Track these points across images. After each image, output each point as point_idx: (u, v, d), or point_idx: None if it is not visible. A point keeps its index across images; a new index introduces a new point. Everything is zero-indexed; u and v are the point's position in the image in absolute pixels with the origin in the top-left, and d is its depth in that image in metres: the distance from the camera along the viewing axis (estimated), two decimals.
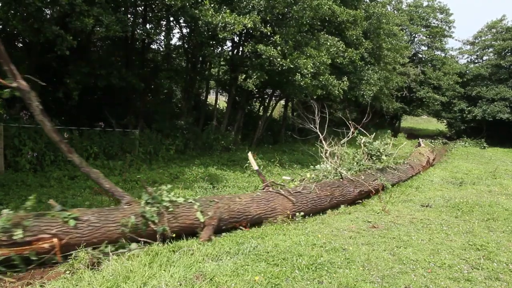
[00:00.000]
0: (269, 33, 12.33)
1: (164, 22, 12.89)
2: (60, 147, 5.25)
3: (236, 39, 15.27)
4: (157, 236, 4.96)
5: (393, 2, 32.26)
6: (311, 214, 7.28)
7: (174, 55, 15.41)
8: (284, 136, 20.29)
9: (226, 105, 17.32)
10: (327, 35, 14.88)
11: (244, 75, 13.87)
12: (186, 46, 14.77)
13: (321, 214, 7.48)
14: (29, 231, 4.18)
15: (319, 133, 9.80)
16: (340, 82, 15.11)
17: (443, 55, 35.28)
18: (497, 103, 30.24)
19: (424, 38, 34.94)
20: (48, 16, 9.41)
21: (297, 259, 4.51)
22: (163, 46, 14.35)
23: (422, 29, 34.47)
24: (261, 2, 11.90)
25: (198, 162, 12.24)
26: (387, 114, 34.79)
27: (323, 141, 9.80)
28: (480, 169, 15.09)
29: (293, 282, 3.99)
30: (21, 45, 11.96)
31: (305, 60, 12.68)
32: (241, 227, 5.97)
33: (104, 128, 12.01)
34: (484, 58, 34.74)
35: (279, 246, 4.97)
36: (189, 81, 15.13)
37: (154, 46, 16.02)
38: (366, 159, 10.52)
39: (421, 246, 5.28)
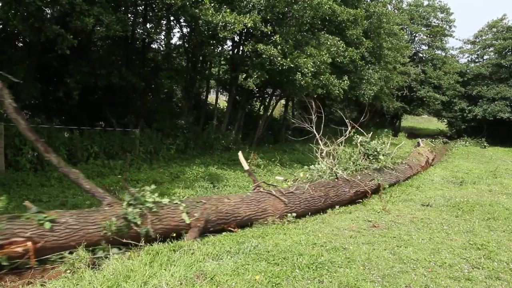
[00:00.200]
0: (269, 32, 12.33)
1: (165, 22, 12.89)
2: (36, 146, 5.12)
3: (237, 38, 15.26)
4: (141, 238, 4.81)
5: (393, 1, 32.21)
6: (309, 214, 7.27)
7: (174, 55, 15.41)
8: (284, 136, 20.29)
9: (226, 104, 17.32)
10: (327, 35, 14.87)
11: (245, 75, 13.86)
12: (187, 45, 14.76)
13: (321, 213, 7.47)
14: (1, 234, 4.00)
15: (315, 132, 9.72)
16: (340, 81, 15.10)
17: (443, 54, 35.27)
18: (498, 103, 30.22)
19: (425, 37, 34.93)
20: (48, 16, 9.40)
21: (297, 258, 4.51)
22: (164, 45, 14.34)
23: (423, 28, 34.45)
24: (261, 1, 11.89)
25: (199, 162, 12.25)
26: (388, 114, 34.78)
27: (319, 141, 9.69)
28: (481, 168, 15.09)
29: (294, 281, 3.99)
30: (21, 44, 11.96)
31: (306, 59, 12.67)
32: (230, 229, 5.81)
33: (105, 128, 12.03)
34: (485, 57, 34.73)
35: (279, 245, 4.97)
36: (190, 80, 15.13)
37: (154, 46, 16.03)
38: (363, 158, 10.40)
39: (422, 245, 5.28)
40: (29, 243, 4.09)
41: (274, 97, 20.00)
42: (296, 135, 17.29)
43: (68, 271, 4.05)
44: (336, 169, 8.85)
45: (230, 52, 16.05)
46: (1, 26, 10.71)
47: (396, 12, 31.05)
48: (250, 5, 11.99)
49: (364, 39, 17.83)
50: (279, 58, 12.00)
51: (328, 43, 14.47)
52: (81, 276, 3.87)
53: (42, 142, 5.19)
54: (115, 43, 13.74)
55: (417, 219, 6.78)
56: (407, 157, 14.11)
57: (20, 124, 4.83)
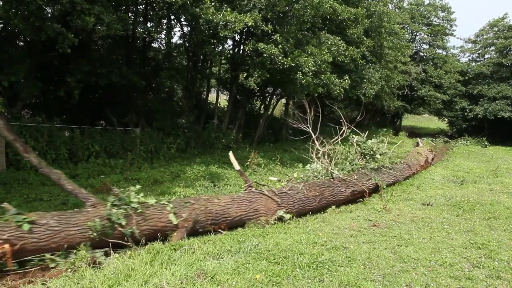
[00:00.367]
0: (270, 31, 12.32)
1: (165, 21, 12.89)
2: (15, 146, 5.04)
3: (237, 37, 15.26)
4: (127, 239, 4.70)
5: (394, 1, 32.20)
6: (310, 214, 7.26)
7: (175, 54, 15.42)
8: (285, 135, 20.29)
9: (227, 103, 17.32)
10: (328, 35, 14.86)
11: (245, 74, 13.87)
12: (187, 44, 14.76)
13: (322, 212, 7.47)
14: None
15: (311, 132, 9.61)
16: (341, 81, 15.09)
17: (444, 53, 35.24)
18: (499, 102, 30.20)
19: (426, 36, 34.90)
20: (49, 15, 9.40)
21: (298, 258, 4.51)
22: (164, 44, 14.34)
23: (424, 28, 34.42)
24: (262, 0, 11.88)
25: (199, 161, 12.25)
26: (388, 113, 34.78)
27: (315, 141, 9.56)
28: (482, 167, 15.07)
29: (294, 280, 3.99)
30: (22, 44, 11.96)
31: (306, 58, 12.66)
32: (220, 230, 5.68)
33: (105, 127, 12.03)
34: (486, 56, 34.70)
35: (280, 244, 4.97)
36: (190, 79, 15.13)
37: (155, 45, 16.05)
38: (360, 158, 10.24)
39: (422, 245, 5.27)
40: (7, 246, 3.98)
41: (274, 96, 20.00)
42: (297, 134, 17.29)
43: (69, 270, 4.05)
44: (332, 169, 8.72)
45: (231, 51, 16.05)
46: (2, 25, 10.71)
47: (397, 11, 31.05)
48: (251, 4, 11.98)
49: (365, 38, 17.81)
50: (280, 57, 11.99)
51: (329, 42, 14.46)
52: (82, 275, 3.88)
53: (21, 142, 5.14)
54: (116, 42, 13.75)
55: (417, 218, 6.77)
56: (406, 156, 14.08)
57: None
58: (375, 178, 9.23)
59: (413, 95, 33.18)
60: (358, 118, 11.51)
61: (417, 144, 16.15)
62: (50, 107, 12.35)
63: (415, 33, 34.94)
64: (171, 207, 5.23)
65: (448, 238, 5.64)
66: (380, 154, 10.54)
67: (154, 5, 12.21)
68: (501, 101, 30.12)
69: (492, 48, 33.56)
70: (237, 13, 10.90)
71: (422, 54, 35.33)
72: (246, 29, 13.47)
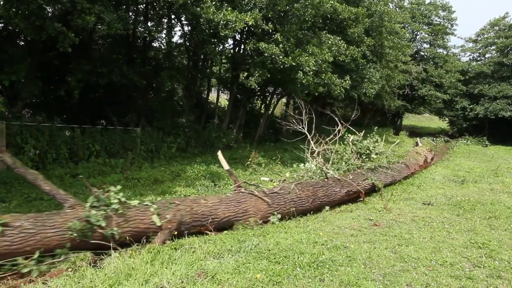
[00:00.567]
0: (270, 31, 12.30)
1: (166, 20, 12.88)
2: None
3: (238, 36, 15.25)
4: (109, 241, 4.57)
5: (395, 0, 32.18)
6: (311, 213, 7.26)
7: (175, 53, 15.41)
8: (285, 134, 20.27)
9: (227, 103, 17.32)
10: (328, 35, 14.85)
11: (246, 73, 13.85)
12: (188, 44, 14.76)
13: (312, 213, 7.44)
14: None
15: (307, 133, 9.52)
16: (342, 81, 15.08)
17: (445, 52, 35.21)
18: (500, 101, 30.19)
19: (426, 35, 34.87)
20: (49, 14, 9.40)
21: (298, 257, 4.51)
22: (165, 44, 14.34)
23: (424, 27, 34.39)
24: None
25: (200, 160, 12.25)
26: (389, 112, 34.78)
27: (311, 141, 9.45)
28: (482, 167, 15.06)
29: (295, 280, 3.99)
30: (22, 43, 11.96)
31: (307, 58, 12.65)
32: (207, 232, 5.54)
33: (106, 126, 12.03)
34: (487, 55, 34.67)
35: (280, 244, 4.97)
36: (191, 79, 15.13)
37: (155, 44, 16.04)
38: (356, 158, 10.11)
39: (423, 244, 5.27)
40: None
41: (275, 96, 19.99)
42: (297, 134, 17.28)
43: (70, 270, 4.06)
44: (326, 168, 8.58)
45: (231, 51, 16.04)
46: (2, 24, 10.71)
47: (397, 10, 31.01)
48: (251, 3, 11.97)
49: (365, 37, 17.79)
50: (280, 57, 11.98)
51: (329, 42, 14.44)
52: (82, 275, 3.88)
53: None
54: (116, 41, 13.75)
55: (418, 217, 6.77)
56: (405, 156, 14.06)
57: None
58: (371, 178, 9.11)
59: (414, 94, 33.16)
60: (353, 117, 11.45)
61: (416, 144, 16.11)
62: (51, 106, 12.35)
63: (416, 33, 34.91)
64: (154, 208, 5.11)
65: (449, 238, 5.64)
66: (376, 154, 10.40)
67: (155, 4, 12.20)
68: (502, 101, 30.10)
69: (493, 47, 33.54)
70: (237, 13, 10.89)
71: (422, 54, 35.31)
72: (246, 28, 13.46)
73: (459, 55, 37.45)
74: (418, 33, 35.00)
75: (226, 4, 11.45)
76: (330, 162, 9.54)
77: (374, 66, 19.93)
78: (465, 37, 48.12)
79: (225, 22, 10.74)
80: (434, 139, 28.56)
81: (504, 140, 29.86)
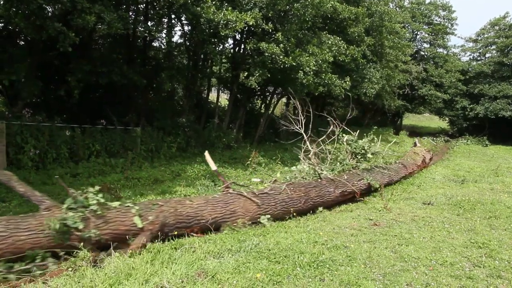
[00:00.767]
0: (270, 30, 12.30)
1: (166, 20, 12.88)
2: None
3: (238, 36, 15.24)
4: (88, 244, 4.43)
5: (395, 0, 32.15)
6: (311, 212, 7.25)
7: (175, 53, 15.41)
8: (284, 134, 20.26)
9: (227, 102, 17.32)
10: (329, 35, 14.84)
11: (246, 73, 13.84)
12: (188, 43, 14.76)
13: (323, 211, 7.45)
14: None
15: (303, 133, 9.41)
16: (342, 81, 15.08)
17: (445, 52, 35.20)
18: (500, 101, 30.19)
19: (426, 35, 34.85)
20: (50, 14, 9.41)
21: (298, 257, 4.51)
22: (165, 43, 14.34)
23: (425, 27, 34.38)
24: None
25: (200, 160, 12.25)
26: (389, 112, 34.77)
27: (307, 141, 9.29)
28: (482, 167, 15.06)
29: (295, 279, 3.99)
30: (22, 43, 11.96)
31: (308, 58, 12.64)
32: (192, 234, 5.35)
33: (106, 126, 12.03)
34: (487, 55, 34.68)
35: (280, 243, 4.97)
36: (191, 78, 15.13)
37: (155, 44, 16.06)
38: (351, 158, 9.93)
39: (423, 244, 5.27)
40: None
41: (275, 96, 19.99)
42: (298, 134, 17.28)
43: (70, 269, 4.06)
44: (319, 168, 8.44)
45: (232, 50, 16.04)
46: (2, 24, 10.71)
47: (397, 10, 30.98)
48: (252, 3, 11.96)
49: (365, 36, 17.78)
50: (281, 56, 11.97)
51: (329, 42, 14.44)
52: (82, 274, 3.88)
53: None
54: (116, 41, 13.75)
55: (418, 217, 6.77)
56: (403, 156, 14.01)
57: None
58: (367, 178, 8.92)
59: (414, 94, 33.15)
60: (348, 116, 11.39)
61: (415, 145, 16.07)
62: (51, 106, 12.36)
63: (416, 32, 34.89)
64: (136, 209, 4.96)
65: (449, 237, 5.64)
66: (372, 154, 10.25)
67: (155, 4, 12.21)
68: (502, 100, 30.10)
69: (493, 47, 33.54)
70: (237, 12, 10.89)
71: (423, 53, 35.29)
72: (246, 28, 13.46)
73: (459, 55, 37.51)
74: (418, 32, 34.99)
75: (226, 4, 11.44)
76: (328, 162, 9.44)
77: (374, 66, 19.92)
78: (465, 36, 48.16)
79: (225, 22, 10.73)
80: (434, 138, 28.56)
81: (504, 140, 29.86)
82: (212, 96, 19.97)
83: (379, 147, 11.14)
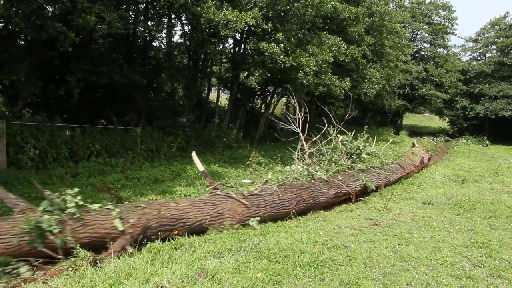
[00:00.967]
0: (270, 30, 12.29)
1: (166, 19, 12.87)
2: None
3: (238, 36, 15.24)
4: (61, 248, 4.25)
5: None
6: (309, 214, 7.24)
7: (175, 53, 15.41)
8: (286, 134, 20.25)
9: (228, 102, 17.32)
10: (329, 35, 14.84)
11: (246, 73, 13.83)
12: (188, 43, 14.75)
13: (323, 211, 7.45)
14: None
15: (300, 133, 9.27)
16: (342, 82, 15.07)
17: (445, 52, 35.19)
18: (500, 101, 30.19)
19: (427, 35, 34.84)
20: (50, 14, 9.41)
21: (298, 257, 4.51)
22: (165, 43, 14.33)
23: (425, 26, 34.37)
24: None
25: (200, 160, 12.22)
26: (389, 112, 34.77)
27: (303, 141, 9.15)
28: (482, 166, 15.06)
29: (295, 279, 4.00)
30: (23, 42, 11.96)
31: (308, 58, 12.64)
32: (177, 236, 5.17)
33: (106, 126, 12.03)
34: (487, 55, 34.69)
35: (280, 243, 4.98)
36: (191, 78, 15.12)
37: (155, 44, 16.03)
38: (346, 158, 9.79)
39: (423, 244, 5.28)
40: None
41: (275, 95, 19.99)
42: (296, 134, 17.26)
43: (70, 269, 4.06)
44: (312, 169, 8.30)
45: (232, 50, 16.04)
46: (2, 24, 10.70)
47: (398, 10, 30.97)
48: (252, 3, 11.95)
49: (365, 36, 17.78)
50: (281, 56, 11.97)
51: (330, 42, 14.43)
52: (83, 274, 3.89)
53: None
54: (117, 41, 13.74)
55: (418, 217, 6.78)
56: (401, 157, 13.98)
57: None
58: (362, 179, 8.78)
59: (414, 94, 33.15)
60: (347, 116, 11.34)
61: (413, 145, 16.05)
62: (51, 106, 12.36)
63: (416, 32, 34.88)
64: (117, 211, 4.79)
65: (449, 237, 5.64)
66: (368, 154, 10.10)
67: (155, 3, 12.19)
68: (502, 100, 30.10)
69: (493, 47, 33.55)
70: (238, 12, 10.88)
71: (423, 53, 35.29)
72: (247, 28, 13.46)
73: (460, 55, 37.51)
74: (419, 32, 34.98)
75: (226, 4, 11.44)
76: (323, 163, 9.34)
77: (374, 66, 19.91)
78: (465, 36, 48.14)
79: (225, 21, 10.72)
80: (435, 138, 28.58)
81: (504, 140, 29.86)
82: (212, 96, 19.97)
83: (374, 147, 11.01)
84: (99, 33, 13.01)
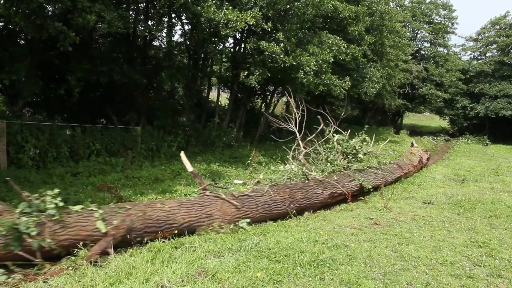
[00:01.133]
0: (269, 30, 12.29)
1: (166, 19, 12.87)
2: None
3: (238, 35, 15.23)
4: (36, 253, 4.08)
5: None
6: (314, 211, 7.24)
7: (176, 52, 15.41)
8: (285, 133, 20.24)
9: (228, 102, 17.32)
10: (329, 34, 14.83)
11: (246, 72, 13.84)
12: (188, 43, 14.75)
13: (323, 210, 7.45)
14: None
15: (297, 132, 9.19)
16: (342, 81, 15.07)
17: (446, 51, 35.17)
18: (500, 100, 30.18)
19: (427, 34, 34.82)
20: (50, 13, 9.40)
21: (299, 256, 4.52)
22: (165, 43, 14.33)
23: (425, 26, 34.34)
24: None
25: (200, 159, 12.26)
26: (389, 111, 34.74)
27: (299, 141, 9.07)
28: (483, 166, 15.06)
29: (295, 278, 4.00)
30: (23, 42, 11.96)
31: (308, 58, 12.63)
32: (163, 239, 4.98)
33: (106, 125, 12.03)
34: (487, 54, 34.66)
35: (281, 242, 4.98)
36: (191, 78, 15.12)
37: (156, 43, 16.04)
38: (342, 158, 9.65)
39: (423, 243, 5.28)
40: None
41: (275, 95, 19.99)
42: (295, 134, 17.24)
43: (70, 268, 4.06)
44: (306, 169, 8.17)
45: (232, 50, 16.04)
46: (3, 23, 10.70)
47: (398, 9, 30.94)
48: (252, 2, 11.95)
49: (365, 35, 17.77)
50: (281, 56, 11.96)
51: (330, 42, 14.43)
52: (83, 273, 3.89)
53: None
54: (117, 40, 13.75)
55: (418, 216, 6.78)
56: (399, 157, 13.94)
57: None
58: (358, 179, 8.63)
59: (414, 93, 33.13)
60: (342, 115, 11.28)
61: (412, 145, 16.02)
62: (51, 105, 12.36)
63: (417, 31, 34.86)
64: (100, 213, 4.64)
65: (449, 237, 5.64)
66: (364, 154, 9.98)
67: (155, 3, 12.19)
68: (503, 100, 30.08)
69: (494, 46, 33.51)
70: (238, 12, 10.88)
71: (423, 53, 35.26)
72: (247, 27, 13.45)
73: (460, 54, 37.47)
74: (419, 32, 34.95)
75: (226, 3, 11.43)
76: (318, 162, 9.26)
77: (374, 65, 19.90)
78: (465, 36, 48.03)
79: (225, 21, 10.72)
80: (435, 138, 28.57)
81: (504, 139, 29.85)
82: (213, 95, 19.96)
83: (372, 147, 10.90)
84: (99, 32, 13.01)
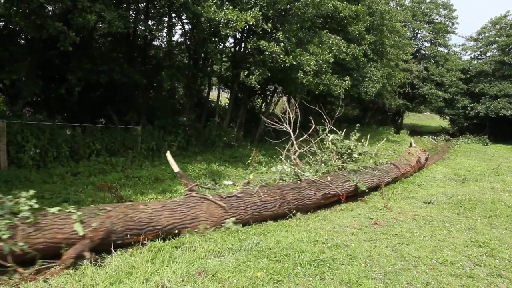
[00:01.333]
0: (269, 29, 12.29)
1: (166, 19, 12.87)
2: None
3: (238, 35, 15.23)
4: (7, 257, 3.87)
5: None
6: (313, 212, 7.23)
7: (176, 52, 15.41)
8: (284, 133, 20.22)
9: (228, 101, 17.32)
10: (329, 34, 14.83)
11: (246, 72, 13.85)
12: (188, 42, 14.75)
13: (323, 210, 7.44)
14: None
15: (291, 132, 9.08)
16: (342, 81, 15.06)
17: (446, 51, 35.16)
18: (501, 100, 30.18)
19: (427, 34, 34.80)
20: (50, 13, 9.40)
21: (299, 256, 4.52)
22: (165, 42, 14.34)
23: (425, 25, 34.33)
24: None
25: (200, 159, 12.26)
26: (390, 111, 34.72)
27: (294, 141, 8.97)
28: (483, 166, 15.06)
29: (295, 278, 4.00)
30: (23, 42, 11.96)
31: (308, 58, 12.63)
32: (145, 242, 4.79)
33: (106, 125, 12.04)
34: (488, 54, 34.65)
35: (281, 242, 4.98)
36: (191, 77, 15.12)
37: (156, 43, 16.04)
38: (336, 158, 9.45)
39: (423, 243, 5.28)
40: None
41: (275, 94, 19.98)
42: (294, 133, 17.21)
43: (71, 268, 4.06)
44: (299, 169, 8.02)
45: (232, 49, 16.04)
46: (3, 23, 10.71)
47: (398, 9, 30.93)
48: (252, 2, 11.94)
49: (366, 34, 17.76)
50: (281, 55, 11.96)
51: (330, 41, 14.42)
52: (83, 273, 3.89)
53: None
54: (117, 40, 13.75)
55: (419, 216, 6.78)
56: (397, 157, 13.90)
57: None
58: (353, 180, 8.43)
59: (415, 93, 33.12)
60: (337, 114, 11.22)
61: (410, 145, 15.99)
62: (51, 105, 12.36)
63: (417, 31, 34.84)
64: (78, 215, 4.45)
65: (449, 237, 5.64)
66: (360, 153, 9.82)
67: (155, 2, 12.19)
68: (503, 99, 30.09)
69: (494, 46, 33.51)
70: (238, 12, 10.88)
71: (423, 52, 35.25)
72: (247, 27, 13.45)
73: (460, 54, 37.47)
74: (419, 31, 34.93)
75: (227, 3, 11.43)
76: (312, 163, 9.17)
77: (375, 65, 19.89)
78: (466, 35, 48.00)
79: (225, 21, 10.72)
80: (435, 137, 28.58)
81: (505, 139, 29.85)
82: (213, 95, 19.97)
83: (367, 147, 10.77)
84: (100, 32, 13.01)
